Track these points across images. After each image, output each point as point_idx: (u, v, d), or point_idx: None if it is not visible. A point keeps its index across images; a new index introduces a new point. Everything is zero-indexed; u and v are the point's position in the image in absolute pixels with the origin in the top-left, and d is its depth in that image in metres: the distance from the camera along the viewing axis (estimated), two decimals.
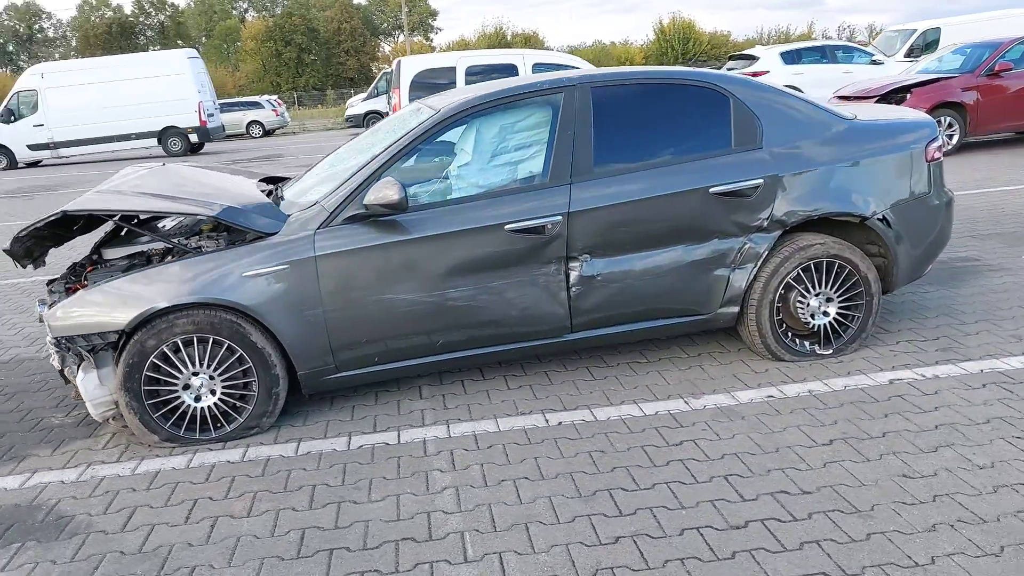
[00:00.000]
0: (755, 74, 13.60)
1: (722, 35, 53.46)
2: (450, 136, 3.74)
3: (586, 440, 3.10)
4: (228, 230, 3.47)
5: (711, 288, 3.61)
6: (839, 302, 3.74)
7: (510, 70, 10.37)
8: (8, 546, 2.62)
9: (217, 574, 2.39)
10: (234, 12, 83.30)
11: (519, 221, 3.36)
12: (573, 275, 3.46)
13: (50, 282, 3.52)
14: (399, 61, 10.92)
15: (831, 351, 3.75)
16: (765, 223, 3.58)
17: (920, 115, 4.01)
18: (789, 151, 3.62)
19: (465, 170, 3.57)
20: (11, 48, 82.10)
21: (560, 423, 3.27)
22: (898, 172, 3.72)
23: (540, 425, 3.26)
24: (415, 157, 3.58)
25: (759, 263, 3.61)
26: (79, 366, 3.25)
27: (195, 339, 3.20)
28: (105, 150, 20.94)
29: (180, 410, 3.27)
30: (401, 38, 77.61)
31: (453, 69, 10.36)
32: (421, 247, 3.31)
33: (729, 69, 14.68)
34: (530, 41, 66.67)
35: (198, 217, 3.24)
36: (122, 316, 3.14)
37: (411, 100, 10.52)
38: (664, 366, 3.80)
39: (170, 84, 20.24)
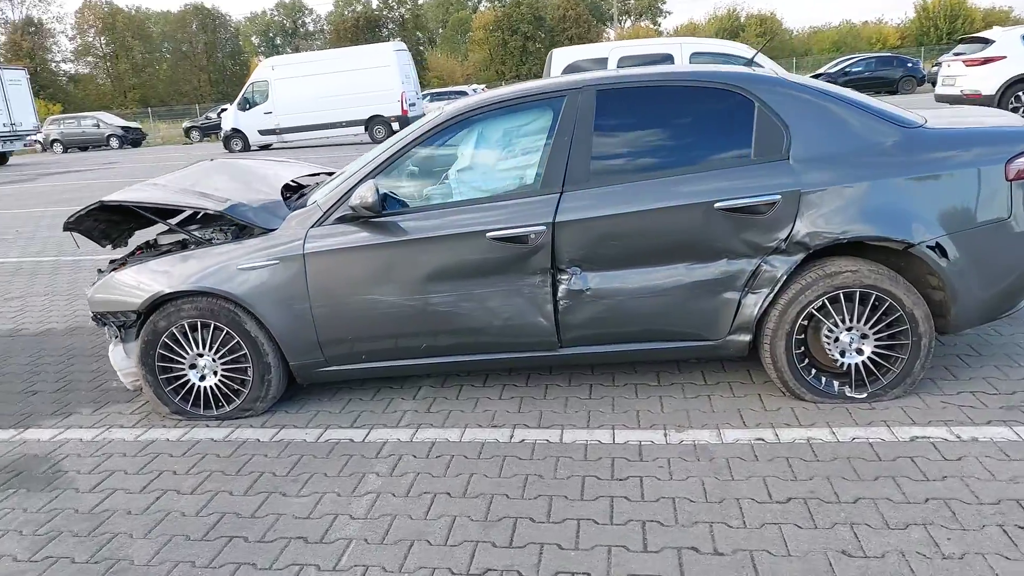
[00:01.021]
0: (987, 60, 11.91)
1: (1001, 11, 47.25)
2: (463, 138, 3.70)
3: (533, 462, 2.98)
4: (239, 225, 3.71)
5: (719, 312, 3.29)
6: (876, 340, 3.25)
7: (666, 60, 9.97)
8: (4, 490, 3.04)
9: (131, 543, 2.61)
10: (468, 3, 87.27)
11: (501, 229, 3.28)
12: (561, 288, 3.32)
13: (111, 261, 3.98)
14: (551, 53, 10.90)
15: (865, 395, 3.27)
16: (784, 244, 3.19)
17: (1016, 122, 3.34)
18: (820, 163, 3.19)
19: (462, 175, 3.54)
20: (278, 41, 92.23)
21: (522, 441, 3.17)
22: (962, 192, 3.14)
23: (501, 441, 3.18)
24: (427, 159, 3.59)
25: (776, 288, 3.23)
26: (112, 339, 3.67)
27: (199, 324, 3.48)
28: (320, 136, 22.96)
29: (187, 387, 3.58)
30: (628, 23, 77.09)
31: (605, 60, 10.16)
32: (404, 250, 3.34)
33: (956, 54, 12.91)
34: (766, 22, 63.37)
35: (208, 211, 3.50)
36: (136, 299, 3.49)
37: None
38: (670, 392, 3.54)
39: (377, 76, 21.71)
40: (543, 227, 3.25)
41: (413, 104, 22.72)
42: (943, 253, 3.13)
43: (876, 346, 3.25)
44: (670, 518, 2.55)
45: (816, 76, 28.63)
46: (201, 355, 3.53)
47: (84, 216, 3.67)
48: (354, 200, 3.30)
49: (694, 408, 3.35)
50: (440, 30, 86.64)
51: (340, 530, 2.61)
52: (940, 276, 3.15)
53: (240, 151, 23.43)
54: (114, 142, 32.34)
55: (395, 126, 22.27)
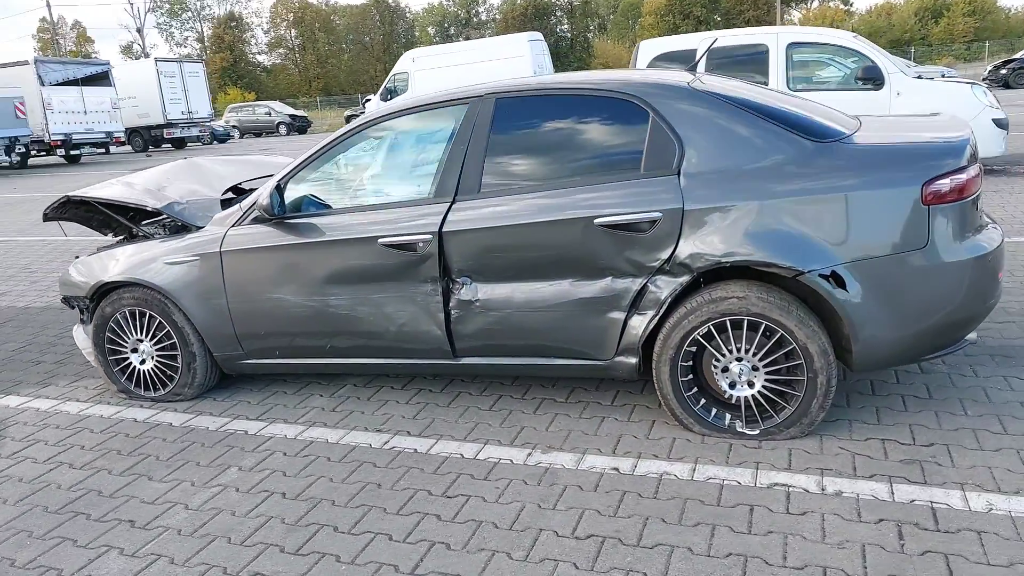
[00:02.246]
0: None
1: None
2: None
3: (381, 470, 3.01)
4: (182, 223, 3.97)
5: (605, 332, 3.15)
6: (767, 374, 2.98)
7: (760, 51, 9.38)
8: None
9: (3, 509, 2.93)
10: None
11: (392, 236, 3.31)
12: (452, 298, 3.31)
13: (98, 248, 4.40)
14: (639, 44, 10.53)
15: (757, 432, 3.02)
16: (667, 265, 3.00)
17: (948, 136, 2.93)
18: (709, 180, 2.96)
19: (369, 180, 3.59)
20: (452, 32, 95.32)
21: (382, 446, 3.20)
22: (869, 215, 2.80)
23: (361, 445, 3.23)
24: (345, 164, 3.68)
25: (661, 311, 3.04)
26: (78, 320, 4.07)
27: (138, 312, 3.79)
28: None
29: (131, 369, 3.90)
30: (815, 3, 72.14)
31: (694, 52, 9.69)
32: (306, 252, 3.45)
33: None
34: (975, 1, 57.24)
35: (149, 208, 3.79)
36: (86, 285, 3.85)
37: None
38: (570, 410, 3.42)
39: (511, 66, 21.94)
40: (430, 236, 3.25)
41: None
42: (840, 283, 2.81)
43: (768, 380, 2.98)
44: (461, 542, 2.50)
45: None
46: (141, 341, 3.84)
47: (61, 208, 4.07)
48: (259, 202, 3.46)
49: (579, 430, 3.23)
50: (611, 16, 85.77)
51: (168, 517, 2.78)
52: (836, 309, 2.83)
53: None
54: (283, 129, 34.93)
55: None
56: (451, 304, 3.31)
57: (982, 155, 8.71)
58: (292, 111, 36.46)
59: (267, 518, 2.73)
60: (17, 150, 20.54)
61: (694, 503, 2.62)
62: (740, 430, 3.04)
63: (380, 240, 3.32)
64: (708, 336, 3.01)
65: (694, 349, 3.05)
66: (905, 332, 2.85)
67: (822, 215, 2.83)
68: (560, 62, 64.44)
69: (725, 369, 3.03)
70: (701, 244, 2.94)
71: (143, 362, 3.87)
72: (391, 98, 23.99)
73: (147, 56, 77.75)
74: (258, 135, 35.54)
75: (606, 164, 3.13)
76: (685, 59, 9.86)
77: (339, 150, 3.57)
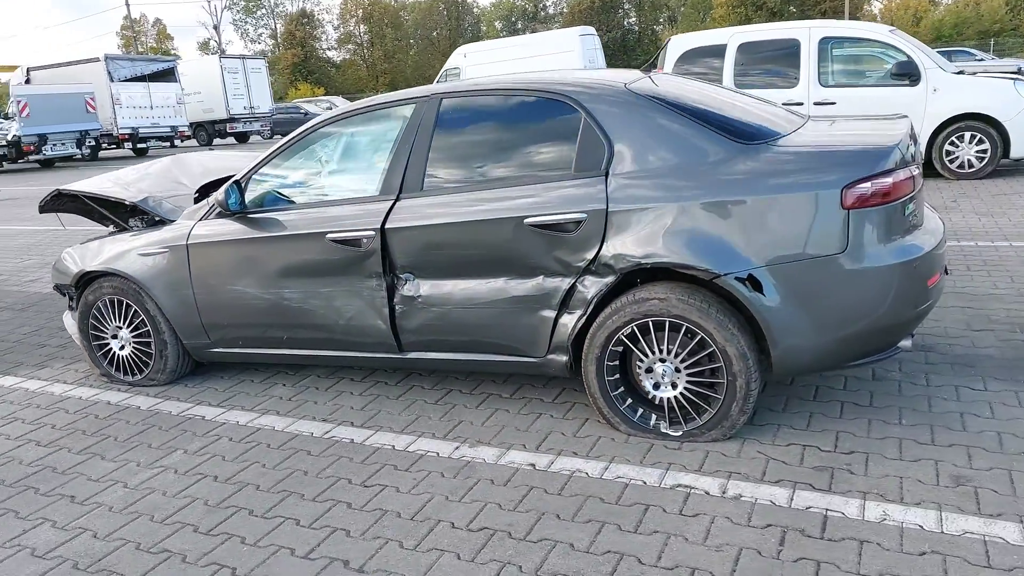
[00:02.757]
0: None
1: None
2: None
3: (296, 457, 3.13)
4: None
5: (538, 330, 3.20)
6: (688, 376, 2.98)
7: (791, 47, 9.15)
8: None
9: None
10: None
11: (338, 232, 3.42)
12: (396, 294, 3.40)
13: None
14: (668, 40, 10.39)
15: (680, 433, 3.03)
16: (593, 266, 3.03)
17: (874, 141, 2.87)
18: (634, 181, 2.97)
19: (325, 178, 3.71)
20: (519, 26, 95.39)
21: (323, 435, 3.33)
22: (788, 219, 2.78)
23: (303, 434, 3.36)
24: (305, 161, 3.79)
25: (588, 310, 3.08)
26: (68, 306, 4.32)
27: (116, 300, 4.01)
28: None
29: (112, 354, 4.13)
30: None
31: (723, 47, 9.52)
32: (261, 246, 3.60)
33: None
34: None
35: (126, 202, 4.00)
36: (71, 274, 4.10)
37: None
38: (511, 406, 3.49)
39: (560, 61, 21.89)
40: (373, 232, 3.35)
41: None
42: (756, 287, 2.79)
43: (689, 382, 2.99)
44: (361, 529, 2.60)
45: None
46: (120, 328, 4.06)
47: (56, 201, 4.32)
48: (217, 197, 3.62)
49: (513, 425, 3.29)
50: (681, 8, 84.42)
51: (106, 495, 2.96)
52: (753, 312, 2.82)
53: None
54: None
55: None
56: (395, 299, 3.40)
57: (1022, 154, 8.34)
58: None
59: (192, 499, 2.88)
60: (88, 143, 21.57)
61: (594, 500, 2.66)
62: (664, 431, 3.05)
63: (328, 236, 3.44)
64: (633, 337, 3.02)
65: (620, 349, 3.07)
66: (826, 338, 2.82)
67: (741, 218, 2.82)
68: (627, 56, 63.77)
69: (649, 370, 3.05)
70: (624, 245, 2.96)
71: (122, 348, 4.09)
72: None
73: (223, 52, 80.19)
74: None
75: (541, 164, 3.17)
76: (714, 54, 9.72)
77: (299, 147, 3.71)
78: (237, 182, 3.63)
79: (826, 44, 9.07)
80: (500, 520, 2.58)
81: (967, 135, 8.58)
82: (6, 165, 21.95)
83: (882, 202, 2.74)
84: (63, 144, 20.99)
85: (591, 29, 22.91)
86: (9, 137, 20.43)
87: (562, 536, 2.46)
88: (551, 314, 3.15)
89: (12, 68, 25.08)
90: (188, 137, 24.82)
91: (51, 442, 3.47)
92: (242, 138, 28.09)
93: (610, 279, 3.01)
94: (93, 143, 21.73)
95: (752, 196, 2.81)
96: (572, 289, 3.09)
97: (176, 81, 23.81)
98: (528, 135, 3.24)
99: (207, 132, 26.86)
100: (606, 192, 2.99)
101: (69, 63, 22.80)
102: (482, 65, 23.14)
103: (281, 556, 2.48)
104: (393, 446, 3.19)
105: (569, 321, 3.12)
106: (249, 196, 3.70)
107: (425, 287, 3.34)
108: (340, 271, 3.46)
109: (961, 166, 8.69)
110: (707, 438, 3.00)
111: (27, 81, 23.04)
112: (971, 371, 3.47)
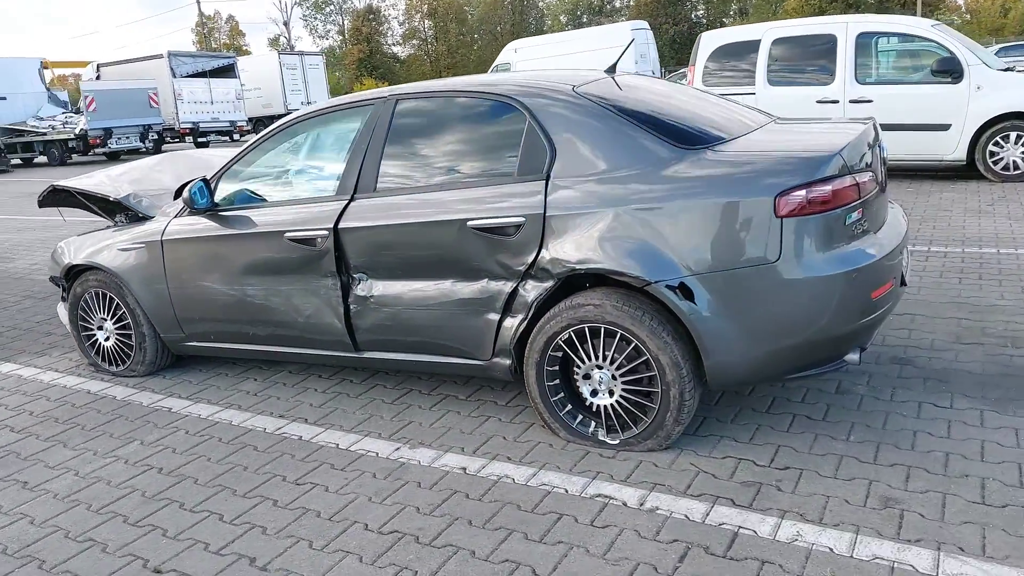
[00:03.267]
0: None
1: None
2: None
3: (241, 452, 3.19)
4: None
5: (483, 333, 3.18)
6: (624, 383, 2.93)
7: (828, 42, 8.82)
8: None
9: None
10: None
11: (296, 231, 3.47)
12: (351, 293, 3.44)
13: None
14: (700, 36, 10.13)
15: (617, 442, 2.98)
16: (532, 270, 3.00)
17: (813, 148, 2.75)
18: (573, 186, 2.93)
19: (290, 177, 3.76)
20: (584, 20, 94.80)
21: (274, 431, 3.38)
22: (721, 227, 2.69)
23: (256, 429, 3.42)
24: (274, 160, 3.84)
25: (529, 314, 3.05)
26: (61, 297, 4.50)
27: (101, 293, 4.16)
28: None
29: (98, 344, 4.29)
30: None
31: (757, 43, 9.24)
32: (227, 244, 3.68)
33: None
34: None
35: (110, 198, 4.13)
36: (60, 266, 4.26)
37: (705, 80, 9.76)
38: (464, 408, 3.48)
39: (613, 56, 21.67)
40: (326, 232, 3.39)
41: None
42: (687, 296, 2.72)
43: (625, 390, 2.93)
44: (278, 528, 2.63)
45: None
46: (104, 320, 4.21)
47: (53, 196, 4.49)
48: (183, 194, 3.72)
49: (459, 428, 3.29)
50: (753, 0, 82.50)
51: (56, 482, 3.08)
52: (685, 321, 2.74)
53: None
54: None
55: None
56: (350, 299, 3.44)
57: None
58: None
59: (132, 490, 2.97)
60: (151, 137, 22.38)
61: (511, 507, 2.63)
62: (601, 439, 3.00)
63: (286, 235, 3.49)
64: (571, 342, 2.98)
65: (560, 354, 3.03)
66: (761, 349, 2.73)
67: (674, 224, 2.75)
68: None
69: (587, 376, 3.00)
70: (561, 250, 2.92)
71: (107, 339, 4.24)
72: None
73: (292, 48, 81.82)
74: None
75: (488, 166, 3.16)
76: (747, 51, 9.47)
77: (268, 146, 3.77)
78: (205, 180, 3.71)
79: (864, 39, 8.74)
80: (413, 524, 2.59)
81: (1012, 135, 8.15)
82: (76, 157, 22.95)
83: (818, 211, 2.63)
84: (128, 138, 21.84)
85: (644, 23, 22.61)
86: (77, 131, 21.38)
87: (467, 543, 2.45)
88: (495, 317, 3.13)
89: (85, 64, 26.18)
90: (247, 132, 25.50)
91: (23, 428, 3.62)
92: None
93: (549, 284, 2.98)
94: (156, 137, 22.53)
95: (685, 202, 2.73)
96: (514, 293, 3.07)
97: (236, 77, 24.47)
98: (476, 137, 3.22)
99: (266, 127, 27.53)
100: (545, 196, 2.96)
101: (135, 59, 23.69)
102: (533, 60, 23.08)
103: (194, 550, 2.54)
104: (337, 444, 3.23)
105: (511, 325, 3.10)
106: (221, 194, 3.79)
107: (377, 287, 3.36)
108: (298, 270, 3.51)
109: (1006, 168, 8.27)
110: (643, 447, 2.94)
111: (97, 77, 24.03)
112: (943, 387, 3.31)
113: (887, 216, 3.16)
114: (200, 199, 3.65)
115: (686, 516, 2.49)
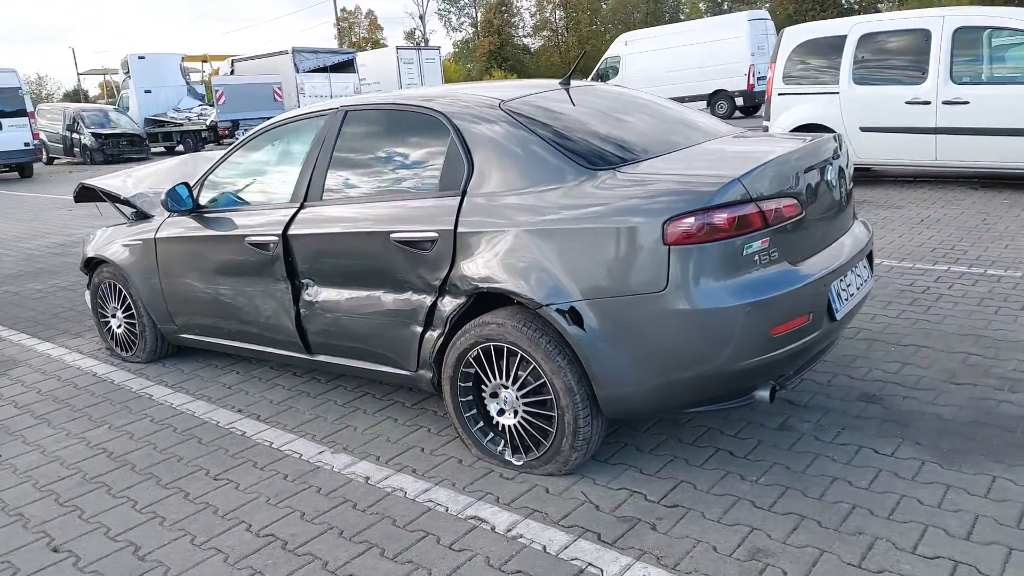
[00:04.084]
0: None
1: None
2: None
3: (186, 443, 3.38)
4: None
5: (409, 344, 3.23)
6: (525, 405, 2.89)
7: (921, 38, 8.13)
8: None
9: None
10: None
11: (253, 235, 3.64)
12: (301, 298, 3.57)
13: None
14: (783, 32, 9.55)
15: (521, 463, 2.95)
16: (446, 285, 3.02)
17: (718, 173, 2.60)
18: (484, 203, 2.92)
19: (259, 182, 3.91)
20: (725, 6, 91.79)
21: (226, 425, 3.56)
22: (611, 252, 2.61)
23: (211, 422, 3.61)
24: (252, 165, 4.01)
25: (445, 329, 3.07)
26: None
27: (112, 283, 4.52)
28: None
29: (113, 331, 4.66)
30: None
31: (843, 39, 8.61)
32: (202, 244, 3.91)
33: None
34: None
35: (122, 197, 4.47)
36: (83, 257, 4.66)
37: (786, 78, 9.22)
38: (407, 416, 3.54)
39: (727, 48, 20.95)
40: (276, 237, 3.53)
41: (762, 77, 21.45)
42: (577, 321, 2.65)
43: (526, 412, 2.89)
44: (174, 520, 2.80)
45: None
46: (116, 308, 4.56)
47: (84, 193, 4.90)
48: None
49: (388, 435, 3.36)
50: None
51: (23, 458, 3.39)
52: (574, 347, 2.68)
53: None
54: None
55: (739, 101, 21.35)
56: (300, 303, 3.57)
57: None
58: None
59: (77, 471, 3.23)
60: None
61: (386, 522, 2.67)
62: (507, 459, 2.98)
63: (246, 239, 3.66)
64: (480, 360, 2.97)
65: (473, 371, 3.02)
66: (653, 381, 2.62)
67: (568, 247, 2.68)
68: None
69: (495, 395, 2.98)
70: (469, 267, 2.92)
71: (119, 327, 4.60)
72: (602, 83, 24.07)
73: (426, 42, 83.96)
74: None
75: (416, 180, 3.20)
76: (832, 47, 8.92)
77: (245, 152, 3.97)
78: (185, 184, 3.94)
79: (962, 35, 8.04)
80: (288, 530, 2.67)
81: None
82: (209, 147, 24.67)
83: (709, 240, 2.49)
84: None
85: (763, 13, 21.64)
86: (208, 122, 22.98)
87: (326, 554, 2.51)
88: (419, 330, 3.16)
89: (224, 58, 28.04)
90: None
91: (25, 405, 4.00)
92: None
93: (461, 300, 2.98)
94: None
95: (579, 225, 2.66)
96: (433, 307, 3.09)
97: (355, 72, 25.48)
98: (409, 151, 3.26)
99: None
100: (458, 212, 2.96)
101: (264, 55, 25.14)
102: (643, 54, 22.70)
103: (95, 534, 2.74)
104: (271, 443, 3.37)
105: (431, 338, 3.12)
106: (208, 196, 4.01)
107: (321, 293, 3.47)
108: (257, 272, 3.68)
109: None
110: (543, 471, 2.89)
111: (231, 72, 25.68)
112: (896, 432, 3.05)
113: (837, 239, 2.96)
114: (174, 202, 3.88)
115: (544, 547, 2.44)
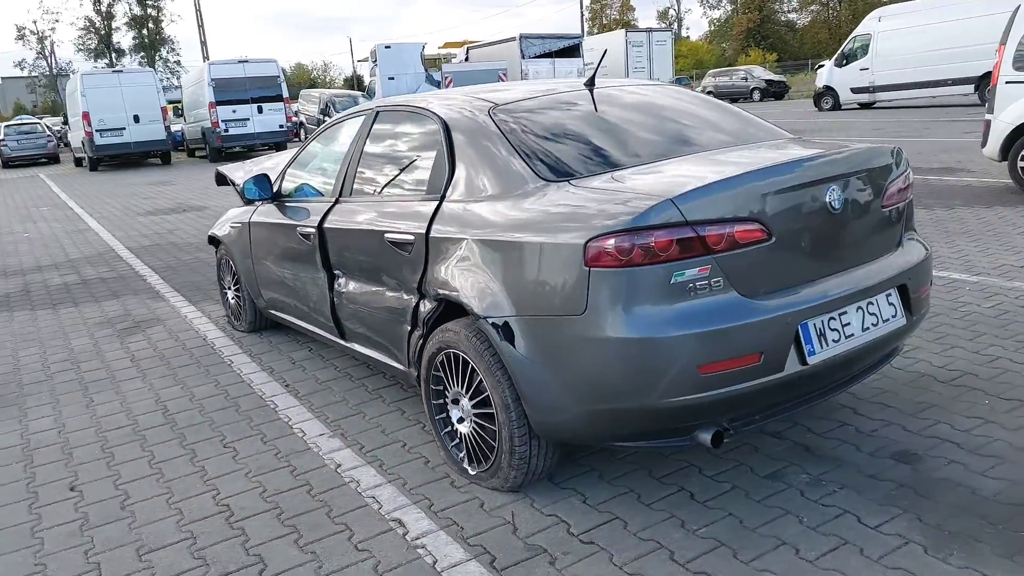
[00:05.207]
0: None
1: None
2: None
3: (218, 403, 3.75)
4: None
5: (402, 340, 3.32)
6: (475, 415, 2.87)
7: None
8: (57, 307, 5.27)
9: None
10: None
11: (301, 225, 3.92)
12: (334, 287, 3.78)
13: None
14: (1019, 7, 8.01)
15: (475, 473, 2.94)
16: (422, 289, 3.07)
17: (652, 191, 2.37)
18: (455, 208, 2.92)
19: (321, 174, 4.14)
20: None
21: (259, 390, 3.90)
22: (543, 269, 2.50)
23: (248, 383, 3.97)
24: (323, 156, 4.28)
25: (424, 331, 3.12)
26: None
27: (225, 259, 5.09)
28: (920, 96, 20.69)
29: (228, 302, 5.25)
30: None
31: None
32: (273, 231, 4.27)
33: None
34: None
35: (237, 185, 4.98)
36: (209, 235, 5.29)
37: (1017, 62, 7.81)
38: (414, 411, 3.65)
39: (988, 24, 18.22)
40: (313, 229, 3.78)
41: None
42: (508, 337, 2.58)
43: (476, 423, 2.86)
44: (143, 495, 3.15)
45: None
46: (230, 281, 5.13)
47: (221, 178, 5.53)
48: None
49: (385, 427, 3.46)
50: None
51: (74, 408, 3.98)
52: (505, 363, 2.60)
53: (829, 110, 22.85)
54: (756, 95, 34.41)
55: None
56: (333, 292, 3.78)
57: None
58: (770, 76, 35.58)
59: (134, 423, 3.72)
60: None
61: (320, 512, 2.77)
62: (464, 467, 2.97)
63: (297, 229, 3.95)
64: (444, 365, 2.98)
65: (441, 375, 3.04)
66: (581, 408, 2.47)
67: (508, 260, 2.61)
68: None
69: (456, 401, 2.98)
70: (435, 272, 2.93)
71: (232, 298, 5.16)
72: (846, 63, 22.10)
73: (679, 22, 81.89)
74: (734, 100, 35.43)
75: (415, 181, 3.27)
76: None
77: (316, 145, 4.25)
78: (265, 175, 4.31)
79: None
80: (243, 502, 2.89)
81: None
82: None
83: (631, 264, 2.28)
84: None
85: None
86: None
87: (254, 532, 2.67)
88: (408, 328, 3.23)
89: (460, 44, 29.63)
90: None
91: (138, 359, 4.66)
92: None
93: (434, 304, 3.00)
94: None
95: (516, 238, 2.57)
96: (417, 307, 3.14)
97: (579, 57, 25.68)
98: (414, 152, 3.34)
99: None
100: (433, 216, 2.98)
101: (495, 42, 26.19)
102: (897, 31, 20.54)
103: (107, 481, 3.16)
104: (289, 419, 3.62)
105: (415, 337, 3.18)
106: (287, 185, 4.37)
107: (348, 284, 3.65)
108: (306, 260, 3.95)
109: None
110: (489, 485, 2.85)
111: (466, 58, 27.08)
112: (905, 502, 2.59)
113: (842, 270, 2.58)
114: (249, 192, 4.26)
115: (434, 563, 2.42)
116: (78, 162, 23.10)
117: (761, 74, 35.68)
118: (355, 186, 3.63)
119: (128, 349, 4.89)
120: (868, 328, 2.60)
